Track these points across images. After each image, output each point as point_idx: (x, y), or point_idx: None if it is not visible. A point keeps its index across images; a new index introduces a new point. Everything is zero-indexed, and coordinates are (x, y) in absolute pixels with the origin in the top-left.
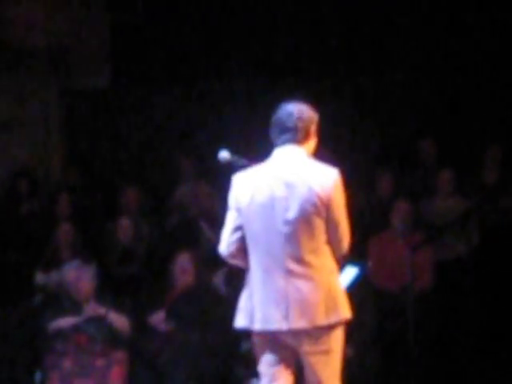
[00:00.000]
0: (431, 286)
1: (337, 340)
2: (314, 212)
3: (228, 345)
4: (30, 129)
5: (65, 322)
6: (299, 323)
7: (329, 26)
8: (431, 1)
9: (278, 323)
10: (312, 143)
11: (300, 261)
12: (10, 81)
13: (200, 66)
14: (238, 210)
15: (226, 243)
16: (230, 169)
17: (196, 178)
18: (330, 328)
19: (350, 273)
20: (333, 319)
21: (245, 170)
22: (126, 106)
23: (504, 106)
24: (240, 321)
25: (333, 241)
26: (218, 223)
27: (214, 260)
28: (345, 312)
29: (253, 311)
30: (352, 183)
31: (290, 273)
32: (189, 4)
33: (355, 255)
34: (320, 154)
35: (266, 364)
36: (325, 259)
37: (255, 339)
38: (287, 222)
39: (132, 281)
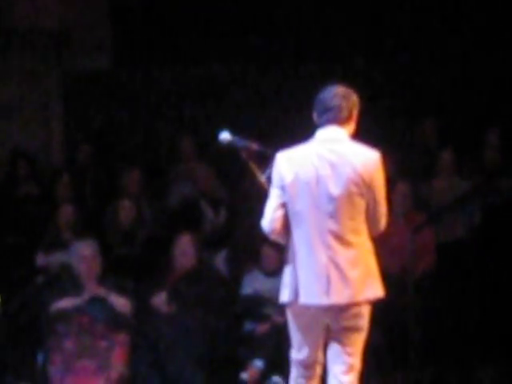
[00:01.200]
0: (432, 268)
1: (367, 317)
2: (356, 191)
3: (230, 326)
4: (32, 112)
5: (67, 302)
6: (339, 298)
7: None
8: None
9: (319, 298)
10: (353, 125)
11: (341, 238)
12: (12, 64)
13: (200, 48)
14: (283, 188)
15: (269, 219)
16: (232, 149)
17: (196, 158)
18: (365, 304)
19: None
20: (370, 295)
21: (256, 156)
22: (127, 87)
23: (504, 88)
24: (284, 296)
25: (371, 220)
26: (219, 204)
27: (215, 241)
28: (379, 290)
29: (297, 286)
30: None
31: (331, 250)
32: None
33: None
34: None
35: (298, 343)
36: (363, 238)
37: (293, 313)
38: (330, 201)
39: (133, 262)
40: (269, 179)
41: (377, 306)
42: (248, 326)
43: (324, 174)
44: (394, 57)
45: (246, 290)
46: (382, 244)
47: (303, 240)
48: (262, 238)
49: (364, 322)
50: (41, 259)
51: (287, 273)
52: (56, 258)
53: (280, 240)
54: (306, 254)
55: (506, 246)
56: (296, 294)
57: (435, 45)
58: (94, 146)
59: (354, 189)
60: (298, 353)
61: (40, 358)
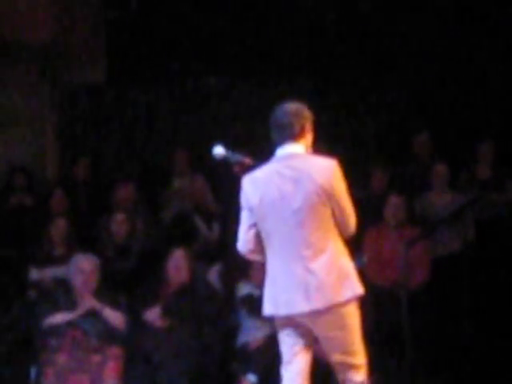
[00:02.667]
0: (426, 282)
1: (352, 315)
2: (318, 201)
3: (223, 340)
4: (27, 126)
5: (59, 317)
6: (318, 303)
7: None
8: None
9: (299, 306)
10: (309, 138)
11: (311, 246)
12: (6, 78)
13: (193, 61)
14: (251, 209)
15: (242, 241)
16: (225, 164)
17: (191, 172)
18: (345, 304)
19: None
20: (348, 295)
21: (249, 170)
22: (121, 101)
23: (498, 101)
24: (266, 309)
25: (340, 224)
26: (213, 218)
27: (208, 256)
28: (358, 288)
29: (276, 298)
30: (347, 177)
31: (304, 259)
32: (182, 0)
33: (352, 248)
34: (316, 149)
35: (287, 346)
36: (334, 242)
37: (278, 325)
38: (296, 214)
39: (127, 276)
40: None
41: (370, 320)
42: (241, 339)
43: (286, 191)
44: (389, 71)
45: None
46: (374, 257)
47: (277, 255)
48: None
49: (350, 320)
50: (34, 274)
51: (267, 287)
52: (49, 273)
53: (258, 258)
54: (282, 268)
55: (500, 261)
56: (276, 306)
57: (429, 59)
58: (88, 160)
59: (315, 199)
60: (288, 365)
61: (33, 372)
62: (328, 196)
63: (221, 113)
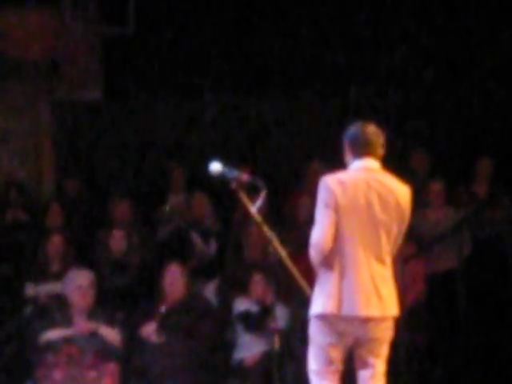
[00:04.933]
0: (422, 299)
1: (391, 332)
2: (395, 219)
3: (219, 356)
4: (23, 141)
5: (55, 334)
6: (375, 312)
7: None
8: (425, 15)
9: (360, 310)
10: None
11: (379, 258)
12: (3, 93)
13: (191, 79)
14: (336, 209)
15: (325, 236)
16: (222, 180)
17: (187, 189)
18: (392, 319)
19: None
20: (395, 312)
21: (246, 186)
22: (118, 118)
23: (495, 118)
24: (325, 307)
25: (394, 245)
26: (210, 234)
27: (205, 272)
28: (397, 309)
29: (341, 299)
30: None
31: (372, 268)
32: (179, 17)
33: None
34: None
35: (325, 355)
36: (390, 260)
37: (321, 330)
38: (376, 225)
39: (124, 293)
40: (259, 210)
41: None
42: (237, 356)
43: (372, 201)
44: (383, 85)
45: (236, 311)
46: None
47: (349, 257)
48: (254, 266)
49: (391, 334)
50: (30, 289)
51: (330, 287)
52: (45, 289)
53: (321, 256)
54: (351, 271)
55: (497, 277)
56: (340, 305)
57: (424, 74)
58: (84, 176)
59: (394, 216)
60: (324, 365)
61: None
62: (402, 218)
63: (218, 129)
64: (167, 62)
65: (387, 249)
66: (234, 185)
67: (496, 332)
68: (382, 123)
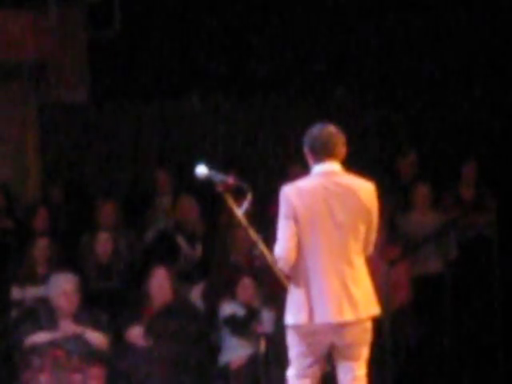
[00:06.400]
0: (408, 302)
1: (370, 332)
2: (360, 218)
3: (205, 359)
4: (8, 144)
5: (41, 337)
6: (349, 316)
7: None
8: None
9: (333, 317)
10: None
11: (347, 260)
12: None
13: (176, 81)
14: (296, 219)
15: (285, 248)
16: (208, 183)
17: (174, 191)
18: (368, 321)
19: None
20: (372, 312)
21: (232, 190)
22: (103, 120)
23: (482, 122)
24: (297, 318)
25: (364, 244)
26: (196, 237)
27: (190, 275)
28: (377, 308)
29: (312, 308)
30: None
31: (340, 272)
32: (164, 20)
33: None
34: (293, 170)
35: (302, 359)
36: (362, 260)
37: (297, 336)
38: (339, 228)
39: (110, 296)
40: (246, 213)
41: None
42: (223, 359)
43: (332, 205)
44: (375, 91)
45: (222, 315)
46: None
47: (316, 265)
48: (240, 269)
49: (368, 336)
50: (16, 293)
51: (296, 298)
52: (31, 292)
53: (287, 268)
54: (319, 278)
55: (482, 280)
56: (311, 315)
57: (416, 80)
58: (70, 179)
59: (358, 216)
60: (300, 372)
61: None
62: (368, 216)
63: (205, 132)
64: (153, 63)
65: (356, 249)
66: (219, 188)
67: (482, 335)
68: (370, 128)
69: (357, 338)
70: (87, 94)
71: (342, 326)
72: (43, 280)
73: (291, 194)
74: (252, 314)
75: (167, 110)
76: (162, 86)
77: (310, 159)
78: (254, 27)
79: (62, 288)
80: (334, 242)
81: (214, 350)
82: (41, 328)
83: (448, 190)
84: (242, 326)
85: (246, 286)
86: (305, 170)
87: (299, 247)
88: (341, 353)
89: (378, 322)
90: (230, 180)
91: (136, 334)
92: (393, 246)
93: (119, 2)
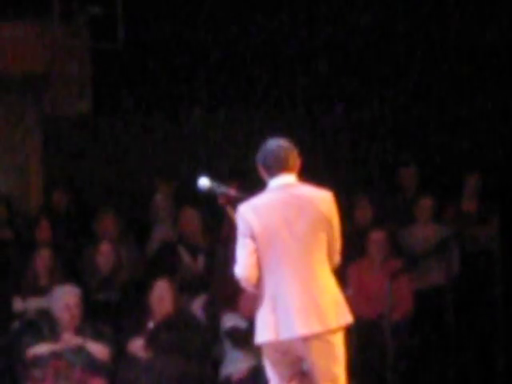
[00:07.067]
0: (410, 315)
1: (341, 344)
2: (320, 228)
3: (207, 372)
4: (11, 155)
5: (43, 348)
6: (315, 327)
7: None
8: (413, 27)
9: (298, 330)
10: (296, 171)
11: (311, 271)
12: None
13: (181, 93)
14: (253, 237)
15: (245, 266)
16: (210, 195)
17: (174, 204)
18: (337, 331)
19: None
20: (341, 322)
21: (234, 202)
22: (106, 132)
23: (484, 135)
24: (264, 336)
25: (330, 253)
26: (198, 249)
27: (192, 287)
28: (349, 316)
29: (277, 324)
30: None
31: (305, 284)
32: (169, 32)
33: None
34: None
35: (277, 376)
36: (328, 269)
37: (269, 353)
38: (299, 240)
39: (112, 307)
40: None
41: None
42: (224, 371)
43: (290, 218)
44: (373, 101)
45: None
46: (359, 290)
47: (279, 280)
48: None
49: (339, 348)
50: (18, 304)
51: (263, 315)
52: (33, 303)
53: (251, 287)
54: (283, 293)
55: (485, 294)
56: (277, 331)
57: (414, 90)
58: (72, 191)
59: (318, 226)
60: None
61: None
62: (328, 224)
63: (208, 143)
64: (156, 75)
65: (320, 260)
66: (221, 200)
67: (484, 348)
68: (370, 139)
69: (326, 352)
70: (90, 105)
71: (309, 339)
72: (45, 291)
73: (246, 212)
74: (253, 327)
75: (170, 122)
76: (166, 97)
77: (264, 175)
78: (256, 37)
79: (64, 301)
80: (295, 254)
81: (216, 362)
82: (43, 339)
83: (450, 203)
84: (244, 339)
85: (247, 299)
86: (305, 183)
87: (260, 264)
88: (313, 372)
89: (379, 333)
90: (232, 192)
91: (137, 345)
92: (395, 258)
93: (123, 14)
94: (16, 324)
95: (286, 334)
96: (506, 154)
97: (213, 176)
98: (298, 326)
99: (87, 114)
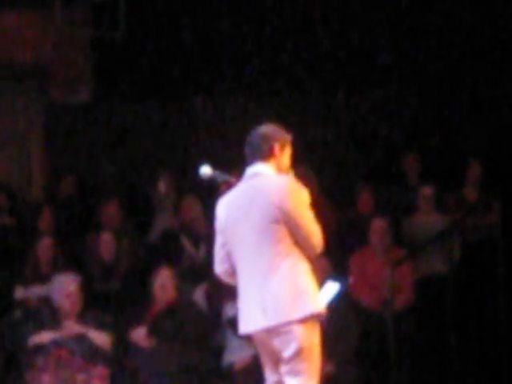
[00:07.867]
0: (412, 303)
1: (308, 336)
2: (272, 219)
3: (209, 360)
4: (13, 144)
5: (44, 337)
6: (273, 321)
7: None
8: (416, 19)
9: (255, 324)
10: (280, 160)
11: (268, 264)
12: None
13: (181, 82)
14: (221, 231)
15: (216, 262)
16: (212, 184)
17: (176, 192)
18: (301, 323)
19: (332, 288)
20: (302, 314)
21: (227, 187)
22: (108, 121)
23: (486, 123)
24: (240, 328)
25: (301, 242)
26: (200, 238)
27: (194, 276)
28: (314, 307)
29: (243, 317)
30: (333, 199)
31: (260, 277)
32: (170, 21)
33: (337, 271)
34: (297, 172)
35: (267, 366)
36: (293, 260)
37: (255, 345)
38: (253, 232)
39: (113, 296)
40: None
41: (356, 340)
42: (226, 359)
43: (245, 210)
44: (375, 90)
45: (226, 315)
46: (361, 279)
47: (241, 274)
48: None
49: (304, 339)
50: (19, 293)
51: (239, 307)
52: (35, 292)
53: (227, 280)
54: (244, 287)
55: (486, 282)
56: (244, 324)
57: (417, 79)
58: (74, 179)
59: (269, 217)
60: (269, 379)
61: None
62: (283, 214)
63: (209, 133)
64: (158, 64)
65: (280, 251)
66: (223, 188)
67: (486, 336)
68: (373, 128)
69: (287, 345)
70: (91, 94)
71: (270, 332)
72: (47, 279)
73: (219, 207)
74: None
75: (171, 111)
76: (167, 86)
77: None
78: (258, 29)
79: (66, 289)
80: (253, 247)
81: (218, 350)
82: (44, 328)
83: (452, 192)
84: None
85: None
86: (309, 172)
87: (231, 258)
88: (281, 360)
89: (381, 322)
90: (234, 180)
91: (139, 334)
92: (397, 247)
93: (124, 2)
94: (17, 312)
95: (249, 327)
96: (508, 142)
97: (214, 164)
98: (258, 319)
99: (88, 103)
